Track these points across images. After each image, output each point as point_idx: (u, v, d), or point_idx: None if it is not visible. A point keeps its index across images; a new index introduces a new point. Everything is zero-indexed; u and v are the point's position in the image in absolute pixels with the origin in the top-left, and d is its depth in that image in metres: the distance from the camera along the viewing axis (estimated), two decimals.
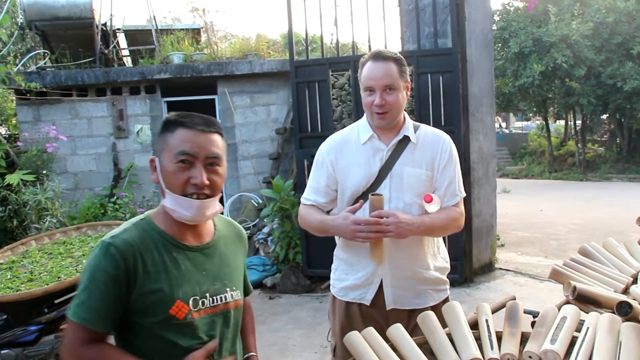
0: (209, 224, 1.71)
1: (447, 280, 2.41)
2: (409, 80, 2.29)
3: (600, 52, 15.99)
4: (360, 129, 2.34)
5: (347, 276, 2.35)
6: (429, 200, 2.20)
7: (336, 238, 2.46)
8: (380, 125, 2.26)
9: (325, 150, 2.38)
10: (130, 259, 1.49)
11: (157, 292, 1.51)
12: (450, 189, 2.29)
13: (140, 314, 1.52)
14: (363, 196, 2.26)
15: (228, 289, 1.66)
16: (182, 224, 1.59)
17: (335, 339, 2.43)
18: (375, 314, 2.28)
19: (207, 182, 1.55)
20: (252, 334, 1.90)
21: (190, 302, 1.56)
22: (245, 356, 1.80)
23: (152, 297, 1.51)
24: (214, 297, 1.62)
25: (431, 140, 2.32)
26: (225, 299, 1.65)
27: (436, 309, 2.22)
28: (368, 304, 2.29)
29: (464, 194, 2.37)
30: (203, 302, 1.59)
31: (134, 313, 1.52)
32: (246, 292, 1.89)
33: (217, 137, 1.59)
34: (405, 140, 2.28)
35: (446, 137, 2.35)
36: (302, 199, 2.43)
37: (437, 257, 2.37)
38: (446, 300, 2.34)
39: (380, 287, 2.27)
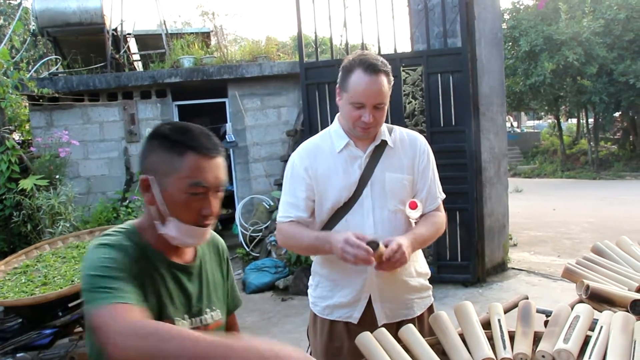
0: None
1: (430, 286, 2.29)
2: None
3: (612, 50, 15.86)
4: (333, 136, 2.18)
5: (331, 293, 2.17)
6: (414, 206, 2.09)
7: None
8: (363, 138, 2.12)
9: (298, 159, 2.18)
10: (131, 265, 1.37)
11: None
12: (432, 192, 2.18)
13: None
14: (344, 207, 2.12)
15: (208, 310, 1.57)
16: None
17: None
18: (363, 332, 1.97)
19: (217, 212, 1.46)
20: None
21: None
22: None
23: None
24: (193, 319, 1.52)
25: (408, 143, 2.20)
26: (205, 321, 1.55)
27: (422, 318, 2.18)
28: (356, 322, 2.13)
29: (444, 196, 2.26)
30: (183, 325, 1.48)
31: None
32: (235, 306, 1.79)
33: (222, 160, 1.46)
34: (382, 145, 2.15)
35: (422, 138, 2.24)
36: (279, 218, 2.19)
37: (418, 262, 2.24)
38: (430, 307, 2.25)
39: (369, 303, 2.12)
